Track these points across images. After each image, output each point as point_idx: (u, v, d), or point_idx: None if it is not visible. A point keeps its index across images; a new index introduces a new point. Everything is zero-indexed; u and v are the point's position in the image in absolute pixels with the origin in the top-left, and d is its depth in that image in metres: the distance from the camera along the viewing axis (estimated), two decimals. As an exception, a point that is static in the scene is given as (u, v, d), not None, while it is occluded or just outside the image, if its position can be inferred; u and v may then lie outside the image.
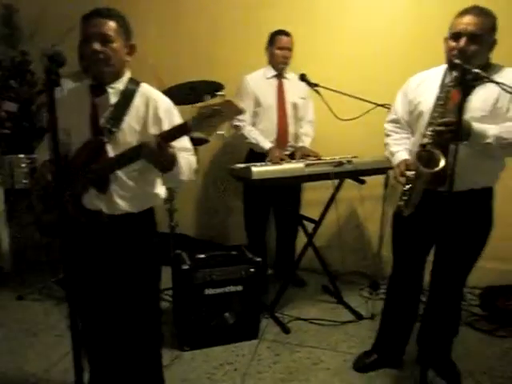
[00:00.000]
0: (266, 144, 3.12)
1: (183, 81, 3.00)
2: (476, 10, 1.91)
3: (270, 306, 3.04)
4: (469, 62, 1.79)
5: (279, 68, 3.21)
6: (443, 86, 2.00)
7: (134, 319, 1.91)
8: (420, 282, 2.35)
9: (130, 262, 1.84)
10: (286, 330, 2.86)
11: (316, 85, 2.97)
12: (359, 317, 3.03)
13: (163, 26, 3.81)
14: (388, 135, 2.29)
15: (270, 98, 3.20)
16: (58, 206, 1.49)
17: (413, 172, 1.98)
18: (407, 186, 2.00)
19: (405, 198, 2.01)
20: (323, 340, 2.78)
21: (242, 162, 2.93)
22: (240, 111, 1.56)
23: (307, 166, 2.69)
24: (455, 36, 1.93)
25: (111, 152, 1.72)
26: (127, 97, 1.75)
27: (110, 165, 1.70)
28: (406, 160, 2.10)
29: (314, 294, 3.40)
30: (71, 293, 1.57)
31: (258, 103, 3.19)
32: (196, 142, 2.97)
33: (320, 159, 2.91)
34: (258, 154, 3.12)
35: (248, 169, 2.58)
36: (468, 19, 1.89)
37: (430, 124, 1.94)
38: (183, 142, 1.77)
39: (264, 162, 2.91)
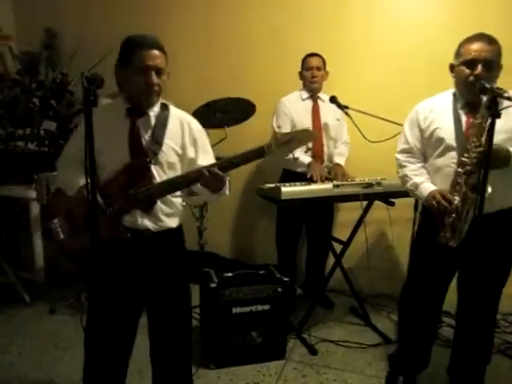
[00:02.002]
0: (306, 159, 3.13)
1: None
2: (486, 38, 1.96)
3: (297, 327, 3.02)
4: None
5: (311, 88, 3.26)
6: (456, 111, 2.05)
7: (167, 335, 1.94)
8: (440, 304, 2.32)
9: (168, 276, 1.88)
10: (313, 351, 2.84)
11: (346, 107, 3.00)
12: (387, 340, 2.98)
13: (196, 50, 3.92)
14: (403, 166, 2.27)
15: (305, 119, 3.25)
16: (91, 230, 1.50)
17: (458, 200, 1.96)
18: (453, 216, 1.99)
19: (452, 228, 1.99)
20: (350, 363, 2.75)
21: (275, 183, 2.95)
22: (315, 136, 1.84)
23: (336, 186, 2.70)
24: (469, 63, 1.96)
25: (156, 173, 1.77)
26: (163, 119, 1.81)
27: (170, 187, 1.75)
28: (439, 190, 2.06)
29: (342, 316, 3.36)
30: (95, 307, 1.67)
31: (294, 124, 3.24)
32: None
33: (350, 179, 2.92)
34: (293, 175, 3.14)
35: (277, 188, 2.60)
36: (480, 46, 1.94)
37: (467, 150, 1.94)
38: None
39: (298, 182, 2.90)
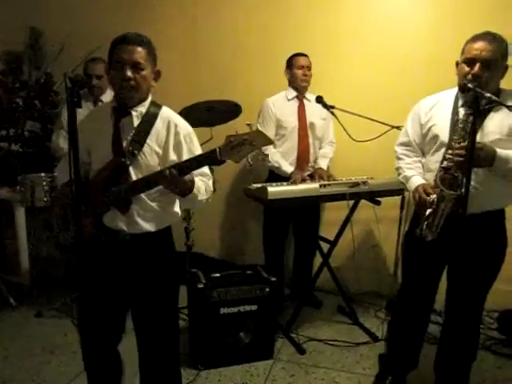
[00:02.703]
0: (288, 168, 3.16)
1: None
2: (489, 37, 1.93)
3: (285, 326, 3.03)
4: (482, 87, 1.83)
5: (301, 87, 3.26)
6: (455, 108, 2.02)
7: (153, 337, 1.92)
8: (431, 303, 2.32)
9: (149, 279, 1.85)
10: (301, 351, 2.85)
11: (332, 107, 3.01)
12: (375, 338, 3.00)
13: (184, 51, 3.90)
14: (400, 158, 2.29)
15: (291, 120, 3.25)
16: (76, 225, 1.53)
17: (434, 196, 1.98)
18: (429, 211, 2.00)
19: (427, 222, 2.01)
20: (338, 361, 2.76)
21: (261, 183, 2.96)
22: (270, 141, 1.65)
23: (322, 186, 2.71)
24: (469, 61, 1.95)
25: (133, 174, 1.75)
26: (149, 119, 1.79)
27: (135, 188, 1.74)
28: (423, 184, 2.09)
29: (330, 315, 3.38)
30: (82, 308, 1.68)
31: (279, 125, 3.25)
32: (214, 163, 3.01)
33: (336, 179, 2.93)
34: (278, 176, 3.15)
35: (264, 189, 2.60)
36: (482, 45, 1.92)
37: (450, 147, 1.95)
38: (202, 168, 1.80)
39: (285, 182, 2.94)
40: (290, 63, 3.27)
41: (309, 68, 3.24)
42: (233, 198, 3.97)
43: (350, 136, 2.77)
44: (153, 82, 1.79)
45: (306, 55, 3.25)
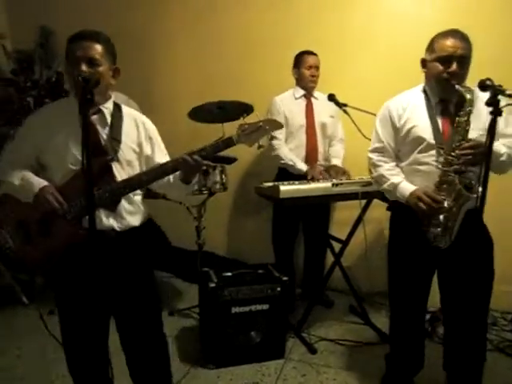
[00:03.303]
0: (303, 166, 3.15)
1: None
2: (459, 34, 1.95)
3: (296, 326, 3.02)
4: (461, 84, 1.90)
5: (308, 87, 3.24)
6: (430, 108, 2.05)
7: (138, 336, 1.94)
8: (424, 305, 2.28)
9: (132, 275, 1.87)
10: (313, 350, 2.84)
11: (345, 105, 2.99)
12: (386, 339, 2.96)
13: (193, 46, 3.89)
14: (378, 165, 2.21)
15: (299, 118, 3.24)
16: (90, 227, 1.50)
17: (448, 200, 1.94)
18: (442, 216, 1.97)
19: (442, 229, 1.97)
20: (350, 361, 2.75)
21: (271, 182, 2.94)
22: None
23: (334, 185, 2.69)
24: (443, 59, 1.94)
25: (116, 171, 1.76)
26: (117, 117, 1.81)
27: (133, 184, 1.75)
28: (422, 189, 2.02)
29: (341, 315, 3.36)
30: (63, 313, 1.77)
31: (287, 123, 3.22)
32: (226, 161, 3.01)
33: (349, 178, 2.91)
34: (287, 175, 3.13)
35: (276, 187, 2.59)
36: (455, 43, 1.92)
37: (454, 148, 1.91)
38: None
39: (297, 181, 2.90)
40: (298, 62, 3.24)
41: (317, 68, 3.21)
42: (244, 197, 3.96)
43: (363, 135, 2.74)
44: (111, 79, 1.79)
45: (314, 54, 3.22)
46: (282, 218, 3.36)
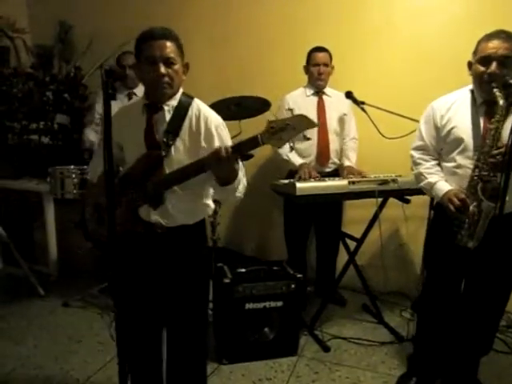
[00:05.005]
0: (297, 160, 3.12)
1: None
2: (503, 35, 1.92)
3: (309, 324, 3.02)
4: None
5: (317, 85, 3.22)
6: (474, 109, 2.03)
7: (183, 329, 1.92)
8: (454, 310, 2.28)
9: (183, 272, 1.86)
10: (326, 348, 2.83)
11: (363, 102, 2.97)
12: (400, 338, 2.96)
13: (211, 43, 3.90)
14: (418, 163, 2.24)
15: (310, 116, 3.16)
16: (109, 219, 1.49)
17: (473, 205, 1.94)
18: (467, 220, 1.96)
19: (469, 232, 1.97)
20: (363, 360, 2.74)
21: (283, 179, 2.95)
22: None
23: (351, 183, 2.68)
24: (484, 60, 1.93)
25: (166, 167, 1.75)
26: (181, 112, 1.78)
27: (170, 179, 1.74)
28: (454, 191, 2.04)
29: (354, 313, 3.35)
30: (118, 301, 1.59)
31: None
32: (243, 158, 3.01)
33: (365, 176, 2.90)
34: (296, 173, 3.11)
35: (292, 184, 2.59)
36: (497, 43, 1.90)
37: (483, 153, 1.91)
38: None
39: (312, 179, 2.90)
40: (308, 58, 3.21)
41: (326, 64, 3.16)
42: (259, 193, 3.95)
43: (381, 134, 2.74)
44: (183, 75, 1.79)
45: (324, 50, 3.16)
46: (294, 215, 3.35)
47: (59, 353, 2.75)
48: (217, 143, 1.76)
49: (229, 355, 2.67)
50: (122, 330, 1.71)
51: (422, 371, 2.40)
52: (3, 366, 2.60)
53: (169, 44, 1.68)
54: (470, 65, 2.07)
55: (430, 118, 2.17)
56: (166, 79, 1.69)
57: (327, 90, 3.27)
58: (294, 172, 3.15)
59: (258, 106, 3.07)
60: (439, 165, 2.20)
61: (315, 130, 3.19)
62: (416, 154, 2.26)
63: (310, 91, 3.26)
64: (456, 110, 2.09)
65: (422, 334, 2.41)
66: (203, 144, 1.77)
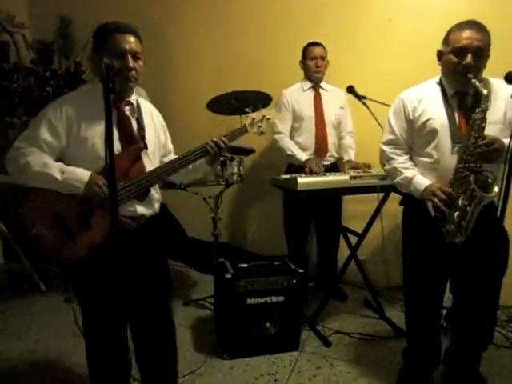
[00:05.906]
0: (302, 156, 3.14)
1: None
2: (475, 25, 1.89)
3: (311, 319, 3.02)
4: (477, 76, 1.85)
5: (314, 78, 3.25)
6: (446, 100, 2.01)
7: (148, 313, 1.96)
8: (440, 301, 2.31)
9: (154, 259, 1.93)
10: (327, 343, 2.84)
11: (364, 97, 2.97)
12: (401, 333, 2.95)
13: (212, 38, 3.88)
14: (391, 158, 2.17)
15: (307, 110, 3.24)
16: (112, 219, 1.45)
17: (461, 198, 1.92)
18: (456, 213, 1.94)
19: (455, 225, 1.95)
20: (364, 355, 2.74)
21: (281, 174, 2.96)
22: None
23: (353, 178, 2.67)
24: (458, 51, 1.90)
25: (144, 161, 1.80)
26: (139, 108, 1.85)
27: (165, 171, 1.79)
28: (436, 185, 1.99)
29: (356, 308, 3.36)
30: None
31: (296, 116, 3.24)
32: (244, 152, 3.02)
33: (367, 171, 2.89)
34: (297, 168, 3.13)
35: (294, 179, 2.58)
36: (471, 34, 1.87)
37: (468, 145, 1.88)
38: None
39: (314, 173, 2.91)
40: (304, 53, 3.25)
41: (322, 58, 3.20)
42: (260, 189, 3.95)
43: (382, 128, 2.71)
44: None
45: (320, 44, 3.21)
46: (293, 210, 3.37)
47: (62, 348, 2.75)
48: (168, 134, 2.02)
49: (230, 350, 2.67)
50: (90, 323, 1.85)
51: (417, 364, 2.38)
52: (6, 362, 2.61)
53: (134, 39, 1.70)
54: (440, 54, 2.03)
55: (401, 111, 2.11)
56: (133, 73, 1.71)
57: (323, 84, 3.31)
58: (295, 167, 3.15)
59: (259, 100, 3.06)
60: (411, 159, 2.16)
61: (313, 123, 3.24)
62: (387, 149, 2.19)
63: (306, 86, 3.29)
64: (428, 101, 2.04)
65: (409, 327, 2.39)
66: (161, 134, 1.94)
